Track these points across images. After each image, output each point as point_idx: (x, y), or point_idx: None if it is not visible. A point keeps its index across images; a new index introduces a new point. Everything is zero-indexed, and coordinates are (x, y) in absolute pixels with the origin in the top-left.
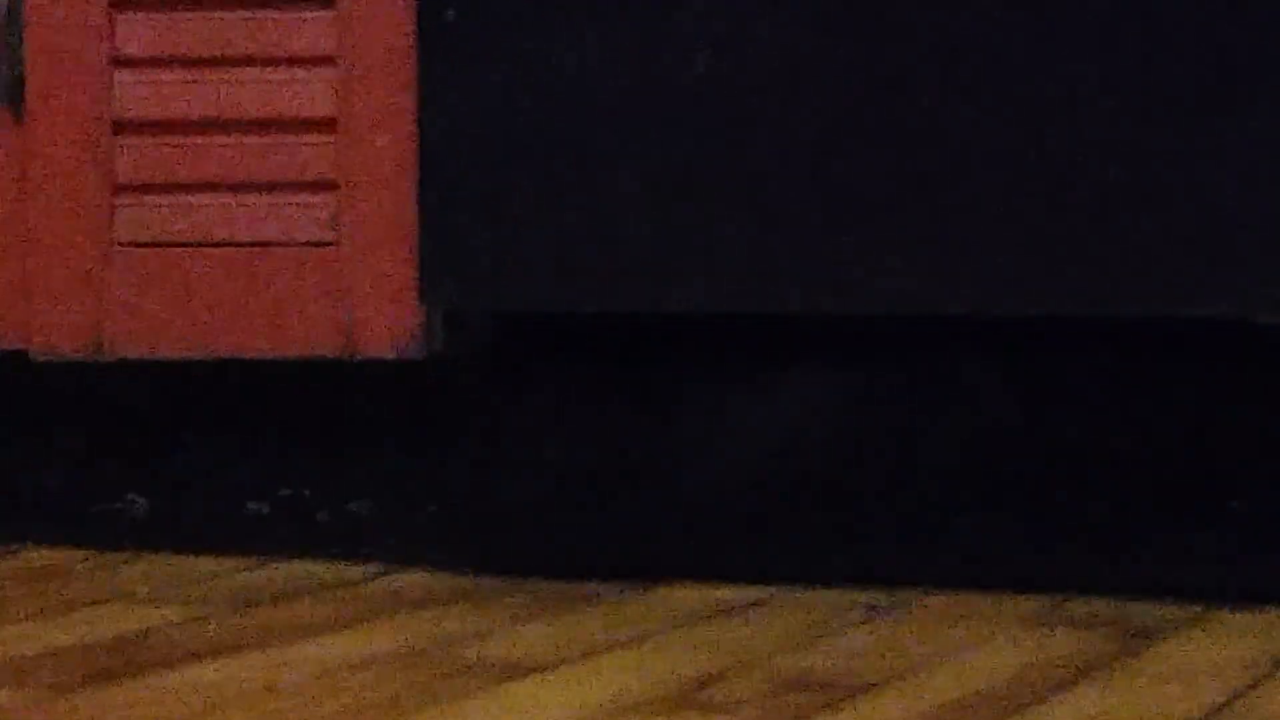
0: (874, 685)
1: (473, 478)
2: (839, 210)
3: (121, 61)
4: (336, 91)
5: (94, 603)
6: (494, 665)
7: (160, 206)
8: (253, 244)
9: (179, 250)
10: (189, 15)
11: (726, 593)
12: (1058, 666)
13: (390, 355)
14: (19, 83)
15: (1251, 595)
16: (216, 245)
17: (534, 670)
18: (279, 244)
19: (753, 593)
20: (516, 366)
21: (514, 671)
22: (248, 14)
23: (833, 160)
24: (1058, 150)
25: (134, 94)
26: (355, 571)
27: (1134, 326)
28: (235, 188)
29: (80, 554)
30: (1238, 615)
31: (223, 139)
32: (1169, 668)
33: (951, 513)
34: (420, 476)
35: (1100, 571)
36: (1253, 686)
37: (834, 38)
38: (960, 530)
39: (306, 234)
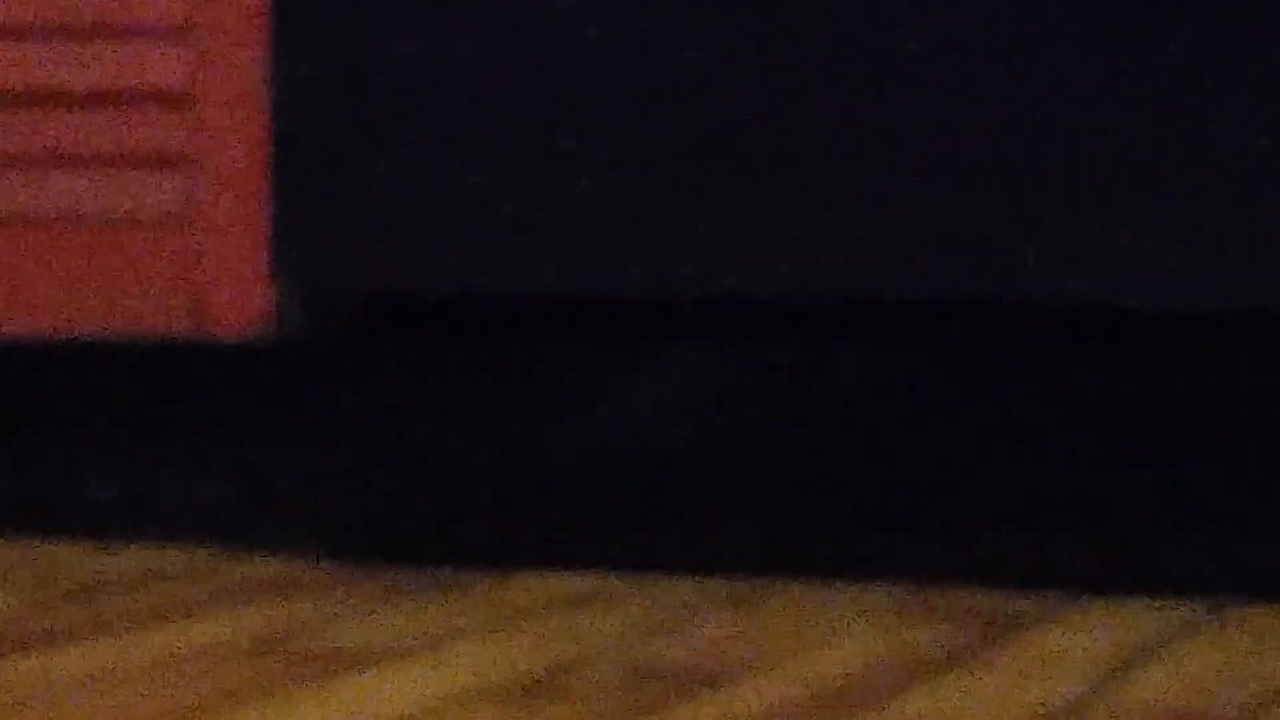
0: (732, 675)
1: (319, 464)
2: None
3: None
4: (190, 63)
5: None
6: (342, 654)
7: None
8: (101, 220)
9: (19, 227)
10: None
11: (582, 582)
12: (919, 657)
13: (241, 335)
14: None
15: (1111, 586)
16: (61, 221)
17: (382, 660)
18: (128, 220)
19: (609, 582)
20: (378, 349)
21: (362, 661)
22: None
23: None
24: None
25: None
26: (201, 557)
27: (1021, 313)
28: (83, 162)
29: None
30: (1098, 606)
31: (71, 112)
32: (1029, 659)
33: (812, 500)
34: (272, 461)
35: (961, 562)
36: (1113, 676)
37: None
38: (821, 518)
39: (156, 209)
